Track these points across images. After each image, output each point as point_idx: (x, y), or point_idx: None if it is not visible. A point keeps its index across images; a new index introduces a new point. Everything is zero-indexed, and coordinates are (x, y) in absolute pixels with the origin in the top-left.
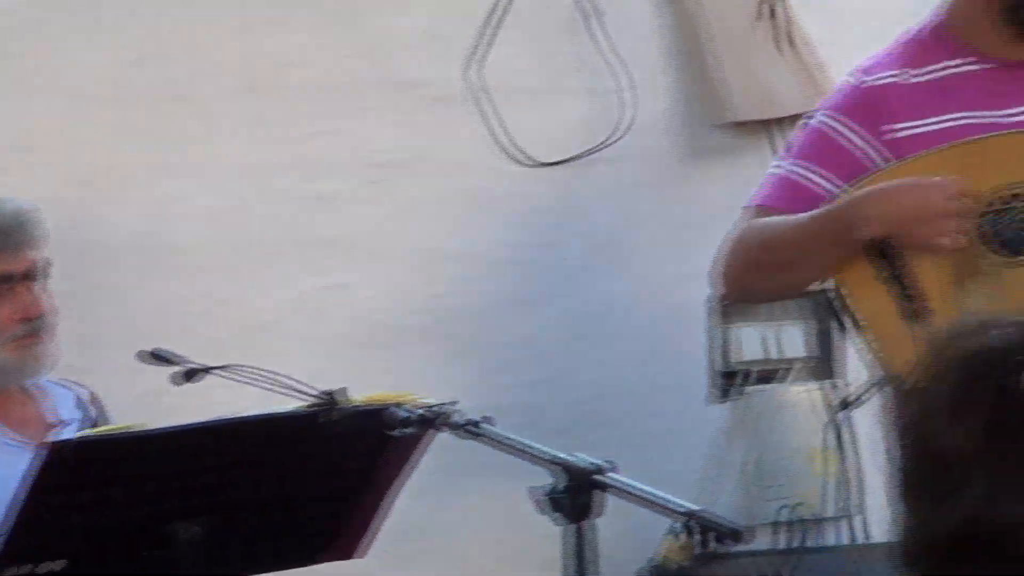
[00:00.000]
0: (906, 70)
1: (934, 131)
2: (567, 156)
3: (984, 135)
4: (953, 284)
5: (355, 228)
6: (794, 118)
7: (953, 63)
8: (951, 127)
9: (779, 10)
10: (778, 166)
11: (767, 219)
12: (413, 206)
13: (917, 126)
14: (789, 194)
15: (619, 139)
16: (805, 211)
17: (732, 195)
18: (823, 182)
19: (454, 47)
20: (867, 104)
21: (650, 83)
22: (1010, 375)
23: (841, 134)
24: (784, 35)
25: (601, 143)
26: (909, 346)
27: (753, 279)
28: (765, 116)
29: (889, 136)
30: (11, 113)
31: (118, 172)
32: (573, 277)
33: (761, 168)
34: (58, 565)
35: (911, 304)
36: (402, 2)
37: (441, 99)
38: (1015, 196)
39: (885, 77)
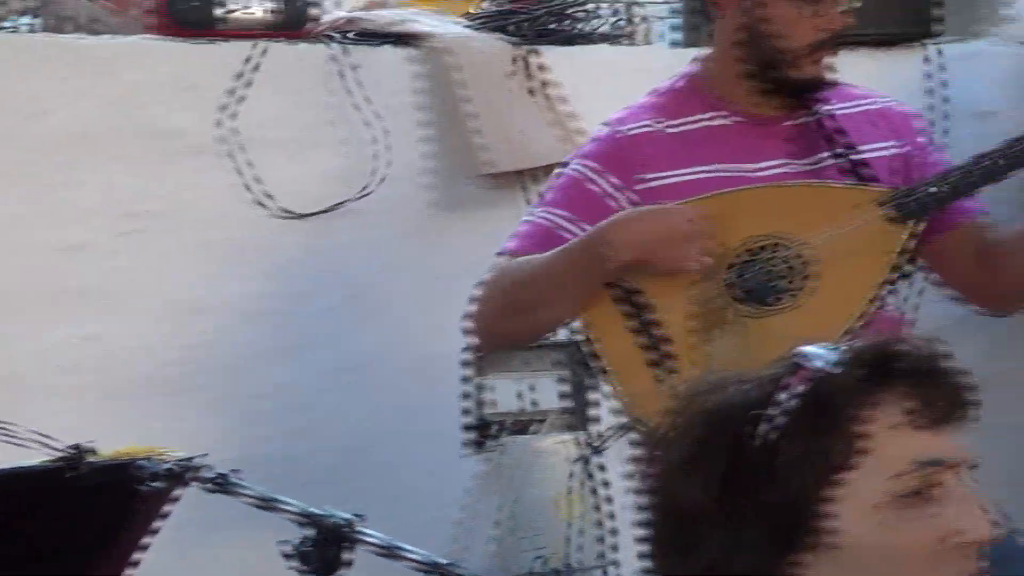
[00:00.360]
0: (660, 120)
1: (684, 182)
2: (322, 207)
3: (733, 188)
4: (699, 333)
5: (107, 279)
6: (548, 168)
7: (706, 116)
8: (701, 179)
9: (533, 63)
10: (531, 213)
11: (518, 260)
12: (166, 257)
13: (668, 176)
14: (541, 241)
15: (373, 190)
16: None
17: (486, 246)
18: (575, 229)
19: (208, 97)
20: (620, 153)
21: (405, 135)
22: (746, 430)
23: (594, 182)
24: (538, 87)
25: (355, 195)
26: (654, 394)
27: (506, 322)
28: (519, 167)
29: (641, 186)
30: None
31: None
32: (328, 328)
33: (515, 219)
34: None
35: (657, 352)
36: (155, 51)
37: (194, 149)
38: (761, 248)
39: (639, 127)
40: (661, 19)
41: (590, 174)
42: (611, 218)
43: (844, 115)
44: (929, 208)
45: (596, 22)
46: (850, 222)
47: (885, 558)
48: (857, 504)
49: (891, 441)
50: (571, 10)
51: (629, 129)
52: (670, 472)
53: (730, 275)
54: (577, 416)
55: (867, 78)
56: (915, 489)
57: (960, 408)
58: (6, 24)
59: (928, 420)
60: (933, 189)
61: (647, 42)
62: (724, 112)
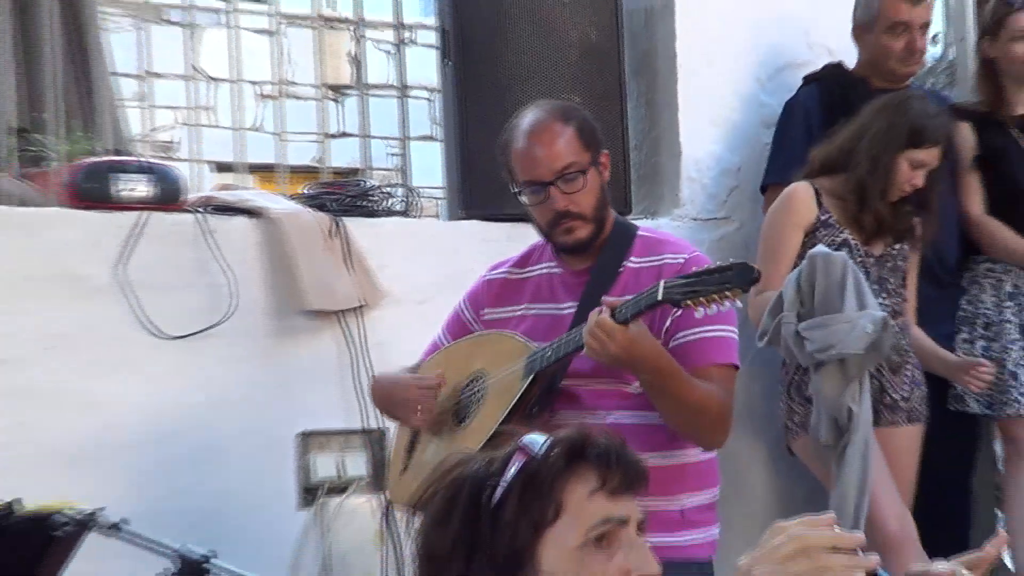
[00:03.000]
0: (512, 270)
1: (505, 318)
2: (190, 331)
3: (481, 332)
4: (419, 443)
5: (30, 382)
6: (356, 309)
7: (546, 265)
8: (518, 315)
9: (342, 230)
10: (440, 330)
11: (392, 374)
12: (72, 367)
13: (497, 313)
14: (432, 351)
15: (227, 319)
16: None
17: (308, 361)
18: (446, 342)
19: (106, 251)
20: (478, 292)
21: (250, 280)
22: (483, 494)
23: (462, 312)
24: (345, 249)
25: (215, 322)
26: (397, 483)
27: (378, 409)
28: (329, 308)
29: (484, 317)
30: None
31: None
32: (193, 421)
33: (331, 342)
34: None
35: (408, 460)
36: (67, 217)
37: (95, 289)
38: (475, 379)
39: (499, 272)
40: (436, 198)
41: (461, 306)
42: (380, 382)
43: (636, 268)
44: (539, 367)
45: (390, 200)
46: (512, 367)
47: None
48: (560, 549)
49: (584, 504)
50: (370, 192)
51: (490, 274)
52: (426, 524)
53: (461, 396)
54: (377, 482)
55: None
56: (602, 539)
57: (633, 482)
58: None
59: (610, 490)
60: (547, 352)
61: (426, 215)
62: (556, 261)
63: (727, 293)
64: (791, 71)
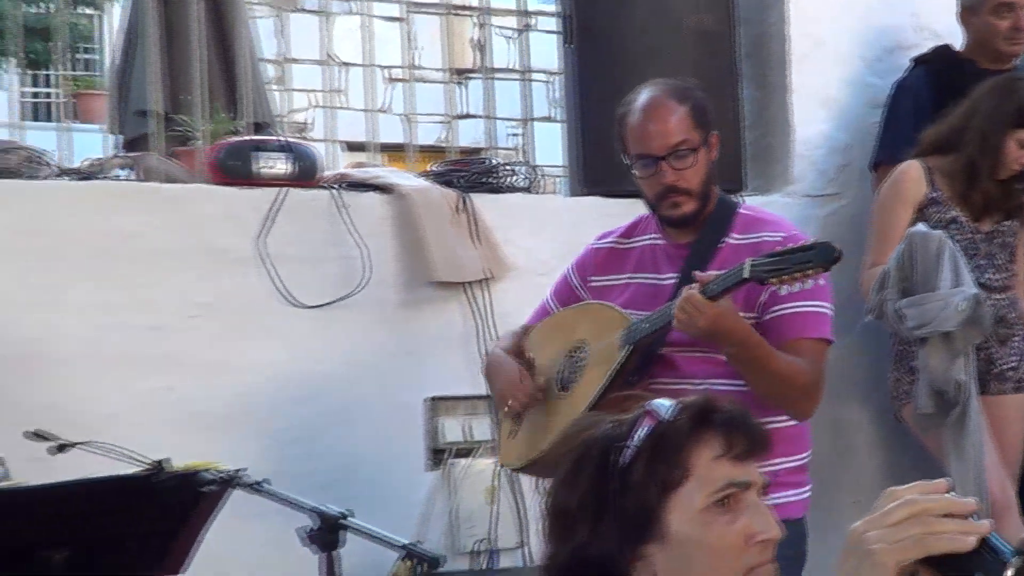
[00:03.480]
0: (619, 240)
1: (610, 285)
2: (326, 301)
3: (585, 302)
4: (528, 415)
5: (177, 348)
6: (482, 281)
7: (649, 237)
8: (623, 283)
9: (468, 206)
10: (547, 295)
11: (498, 348)
12: (215, 333)
13: (603, 281)
14: (541, 315)
15: (360, 290)
16: None
17: (436, 329)
18: (556, 308)
19: (247, 225)
20: (585, 261)
21: (381, 253)
22: (611, 456)
23: (569, 279)
24: (473, 224)
25: (349, 293)
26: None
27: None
28: (455, 280)
29: (590, 284)
30: None
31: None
32: (329, 383)
33: (457, 311)
34: None
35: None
36: (211, 193)
37: (237, 261)
38: (576, 348)
39: (607, 241)
40: (556, 176)
41: (569, 272)
42: (500, 361)
43: (735, 244)
44: (635, 340)
45: (513, 177)
46: (610, 339)
47: (705, 549)
48: (685, 512)
49: (709, 468)
50: (495, 169)
51: (597, 243)
52: (556, 484)
53: (563, 367)
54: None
55: None
56: (725, 501)
57: (756, 448)
58: (111, 175)
59: (734, 455)
60: (644, 325)
61: (547, 191)
62: (660, 234)
63: (809, 271)
64: (899, 53)
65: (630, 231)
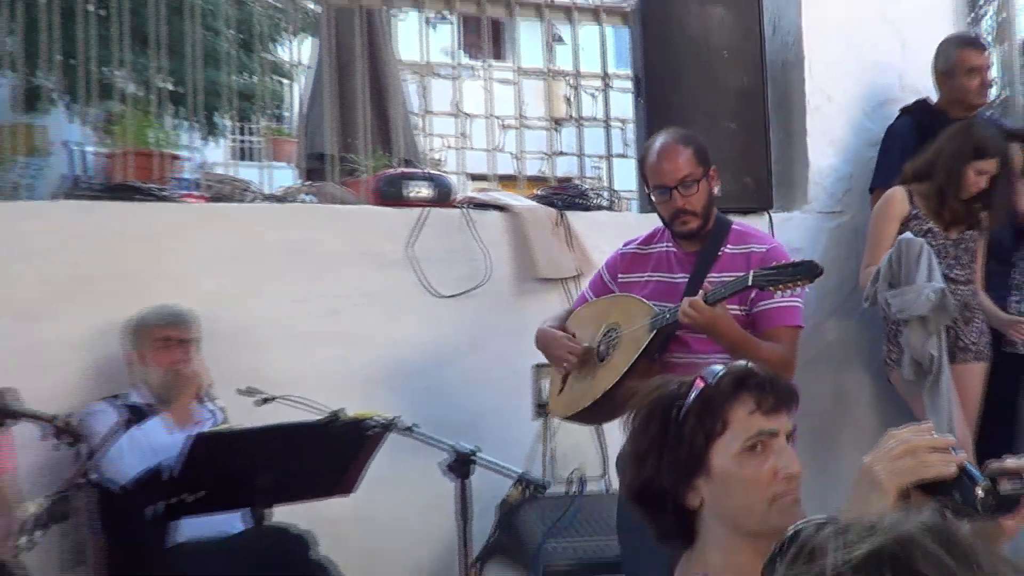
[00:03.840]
0: (640, 247)
1: (635, 281)
2: (457, 292)
3: (623, 294)
4: (572, 377)
5: (347, 328)
6: (574, 277)
7: (663, 245)
8: (644, 280)
9: (564, 221)
10: (586, 288)
11: (548, 323)
12: (377, 316)
13: (630, 277)
14: (580, 302)
15: (484, 285)
16: None
17: (544, 310)
18: (592, 298)
19: (399, 236)
20: (614, 262)
21: (499, 256)
22: (672, 411)
23: (602, 276)
24: (568, 234)
25: (475, 286)
26: (555, 401)
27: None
28: (556, 277)
29: (620, 279)
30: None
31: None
32: (461, 354)
33: (558, 301)
34: (200, 493)
35: (562, 386)
36: (372, 212)
37: (392, 262)
38: (612, 328)
39: (631, 247)
40: (629, 199)
41: (602, 271)
42: (552, 332)
43: (730, 254)
44: (661, 326)
45: (598, 200)
46: (639, 324)
47: (740, 482)
48: (726, 455)
49: (745, 420)
50: (585, 193)
51: (624, 248)
52: (634, 430)
53: (600, 342)
54: None
55: None
56: (756, 447)
57: (785, 402)
58: (299, 199)
59: (764, 410)
60: (666, 315)
61: (623, 210)
62: (672, 243)
63: (799, 283)
64: (889, 105)
65: (649, 239)
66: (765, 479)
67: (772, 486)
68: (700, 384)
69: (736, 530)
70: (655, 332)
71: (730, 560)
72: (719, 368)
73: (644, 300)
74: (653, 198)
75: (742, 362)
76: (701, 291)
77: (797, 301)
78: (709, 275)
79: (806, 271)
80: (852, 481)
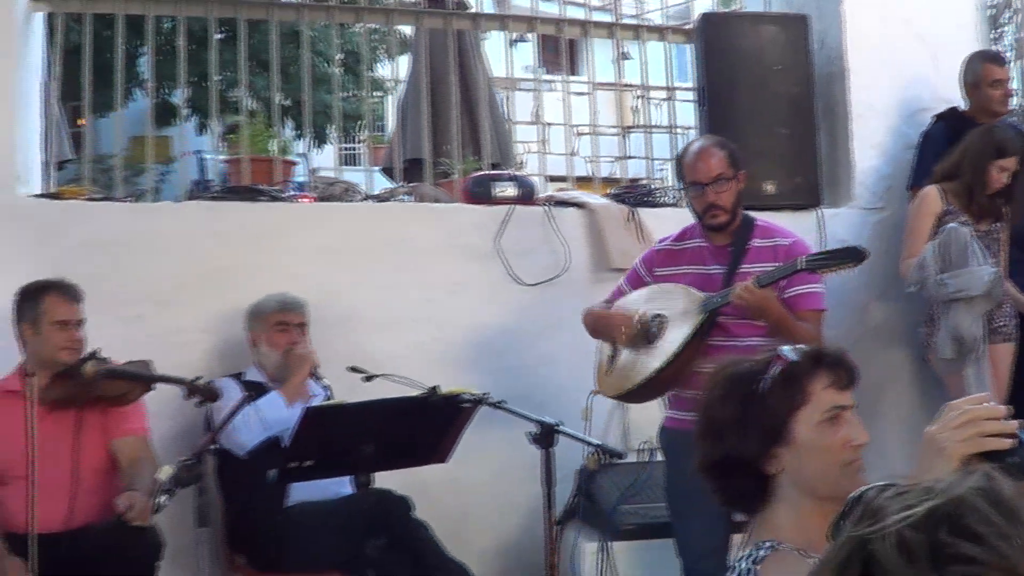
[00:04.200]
0: (673, 243)
1: (670, 274)
2: (540, 281)
3: (664, 284)
4: (618, 355)
5: (440, 312)
6: None
7: (695, 241)
8: (679, 273)
9: (635, 216)
10: (621, 281)
11: (599, 307)
12: (467, 303)
13: (665, 271)
14: (614, 296)
15: (564, 274)
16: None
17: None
18: (629, 290)
19: (487, 230)
20: (650, 257)
21: (578, 247)
22: (754, 385)
23: (638, 271)
24: (639, 229)
25: (556, 275)
26: (602, 379)
27: (585, 328)
28: (627, 266)
29: (656, 272)
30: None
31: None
32: (542, 337)
33: None
34: (310, 462)
35: (611, 366)
36: (464, 209)
37: (481, 255)
38: (658, 315)
39: (664, 244)
40: None
41: (638, 266)
42: (608, 311)
43: (758, 247)
44: (713, 307)
45: (665, 198)
46: (687, 309)
47: (817, 450)
48: (805, 426)
49: (821, 395)
50: (653, 192)
51: (658, 246)
52: (711, 404)
53: (648, 326)
54: None
55: (791, 227)
56: (831, 419)
57: (853, 380)
58: (398, 199)
59: (839, 385)
60: (717, 299)
61: (685, 206)
62: (703, 239)
63: (846, 265)
64: (923, 113)
65: (681, 237)
66: (838, 447)
67: (843, 454)
68: (781, 362)
69: (810, 495)
70: (706, 315)
71: (801, 523)
72: (790, 348)
73: (690, 288)
74: (689, 193)
75: (816, 346)
76: (752, 277)
77: (820, 288)
78: (742, 266)
79: (853, 255)
80: (919, 450)
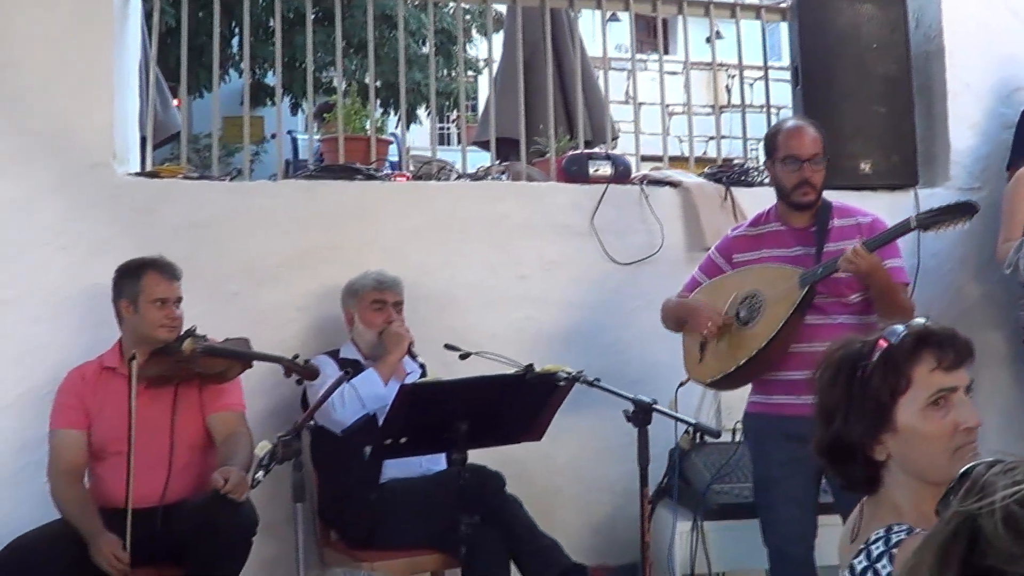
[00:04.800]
0: (748, 229)
1: (750, 260)
2: (634, 260)
3: (752, 266)
4: (711, 345)
5: (535, 290)
6: None
7: (771, 225)
8: (758, 258)
9: (730, 196)
10: (695, 271)
11: (676, 298)
12: (560, 281)
13: (744, 256)
14: (690, 286)
15: (658, 252)
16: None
17: None
18: (703, 281)
19: (583, 209)
20: (726, 245)
21: (672, 226)
22: (859, 366)
23: (714, 260)
24: (733, 208)
25: (651, 254)
26: (695, 365)
27: (664, 323)
28: None
29: (734, 261)
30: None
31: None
32: (635, 314)
33: None
34: (404, 438)
35: (701, 353)
36: (557, 188)
37: (576, 233)
38: (751, 296)
39: (739, 231)
40: None
41: (713, 255)
42: (691, 301)
43: (839, 226)
44: (812, 281)
45: (759, 177)
46: (785, 285)
47: (924, 436)
48: (910, 410)
49: (926, 378)
50: (748, 171)
51: (733, 232)
52: (823, 385)
53: (740, 308)
54: None
55: (885, 208)
56: (938, 402)
57: (964, 358)
58: (493, 178)
59: (945, 367)
60: (819, 271)
61: None
62: (778, 223)
63: (959, 220)
64: (1020, 92)
65: (756, 222)
66: (947, 433)
67: (954, 439)
68: (883, 344)
69: (922, 481)
70: (807, 288)
71: (917, 509)
72: (901, 328)
73: (783, 265)
74: (783, 167)
75: (921, 320)
76: (858, 242)
77: (900, 261)
78: (827, 245)
79: (966, 209)
80: None
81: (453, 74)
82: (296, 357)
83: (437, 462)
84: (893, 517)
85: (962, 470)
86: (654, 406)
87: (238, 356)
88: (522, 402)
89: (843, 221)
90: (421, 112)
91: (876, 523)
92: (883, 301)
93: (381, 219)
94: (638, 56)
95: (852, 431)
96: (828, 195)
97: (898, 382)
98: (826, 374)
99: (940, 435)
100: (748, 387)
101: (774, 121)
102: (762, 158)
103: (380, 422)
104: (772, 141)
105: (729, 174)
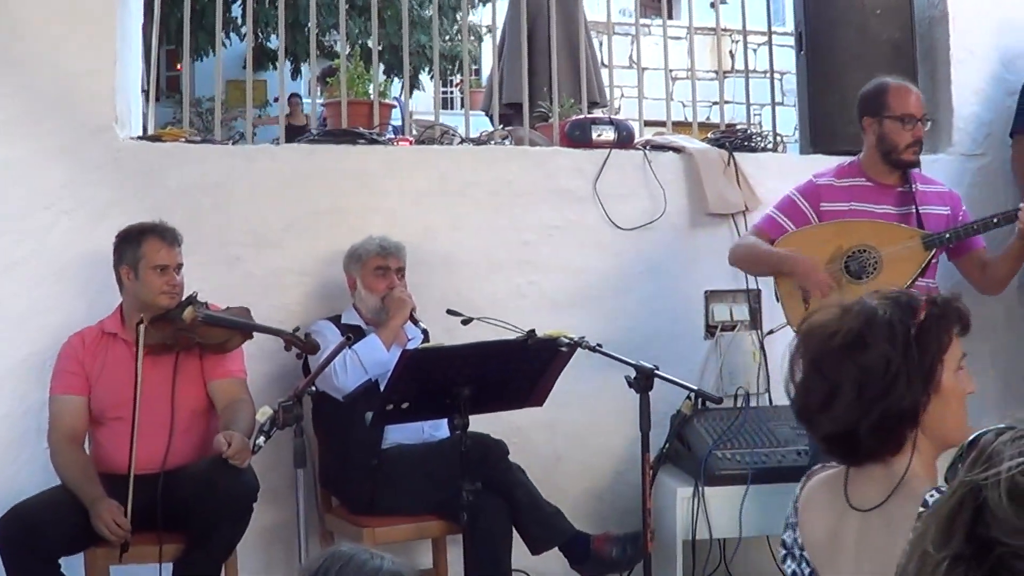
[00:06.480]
0: (834, 179)
1: (839, 210)
2: (637, 225)
3: (856, 219)
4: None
5: (538, 256)
6: (739, 212)
7: (858, 180)
8: (847, 210)
9: (733, 162)
10: (772, 212)
11: (754, 240)
12: (564, 246)
13: (833, 206)
14: (771, 228)
15: (660, 218)
16: (772, 239)
17: (712, 245)
18: (787, 225)
19: (586, 174)
20: (813, 191)
21: (675, 192)
22: (911, 321)
23: (798, 204)
24: (736, 173)
25: (653, 220)
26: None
27: (742, 264)
28: (725, 212)
29: (821, 208)
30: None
31: (439, 228)
32: (640, 279)
33: (726, 234)
34: (406, 404)
35: (806, 305)
36: (560, 153)
37: (578, 198)
38: (861, 250)
39: (824, 180)
40: (794, 141)
41: (799, 199)
42: (797, 256)
43: (924, 191)
44: (939, 244)
45: (764, 141)
46: (905, 244)
47: (955, 397)
48: (949, 370)
49: (955, 342)
50: (751, 137)
51: (820, 180)
52: (844, 356)
53: (848, 261)
54: (753, 323)
55: None
56: (961, 366)
57: (969, 329)
58: (496, 142)
59: (962, 335)
60: (947, 235)
61: (784, 151)
62: (864, 178)
63: None
64: None
65: (840, 174)
66: (964, 395)
67: (963, 403)
68: (930, 304)
69: (942, 445)
70: (932, 252)
71: (932, 475)
72: (917, 292)
73: (902, 224)
74: (893, 123)
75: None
76: (961, 208)
77: None
78: (921, 206)
79: None
80: None
81: (458, 38)
82: (297, 330)
83: (439, 428)
84: (925, 483)
85: (971, 437)
86: (656, 372)
87: (239, 327)
88: (524, 368)
89: (925, 187)
90: (424, 77)
91: (905, 490)
92: (1014, 268)
93: (384, 184)
94: (642, 21)
95: (912, 392)
96: (833, 160)
97: (943, 338)
98: (848, 342)
99: (962, 396)
100: (750, 350)
101: (778, 86)
102: (765, 123)
103: (382, 388)
104: (878, 99)
105: (732, 139)
